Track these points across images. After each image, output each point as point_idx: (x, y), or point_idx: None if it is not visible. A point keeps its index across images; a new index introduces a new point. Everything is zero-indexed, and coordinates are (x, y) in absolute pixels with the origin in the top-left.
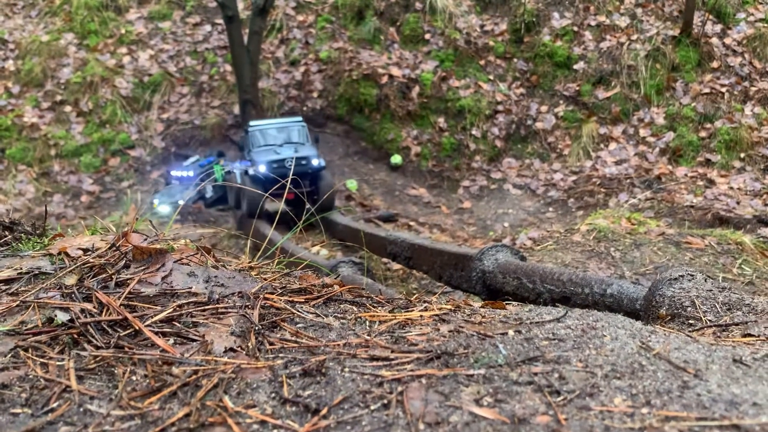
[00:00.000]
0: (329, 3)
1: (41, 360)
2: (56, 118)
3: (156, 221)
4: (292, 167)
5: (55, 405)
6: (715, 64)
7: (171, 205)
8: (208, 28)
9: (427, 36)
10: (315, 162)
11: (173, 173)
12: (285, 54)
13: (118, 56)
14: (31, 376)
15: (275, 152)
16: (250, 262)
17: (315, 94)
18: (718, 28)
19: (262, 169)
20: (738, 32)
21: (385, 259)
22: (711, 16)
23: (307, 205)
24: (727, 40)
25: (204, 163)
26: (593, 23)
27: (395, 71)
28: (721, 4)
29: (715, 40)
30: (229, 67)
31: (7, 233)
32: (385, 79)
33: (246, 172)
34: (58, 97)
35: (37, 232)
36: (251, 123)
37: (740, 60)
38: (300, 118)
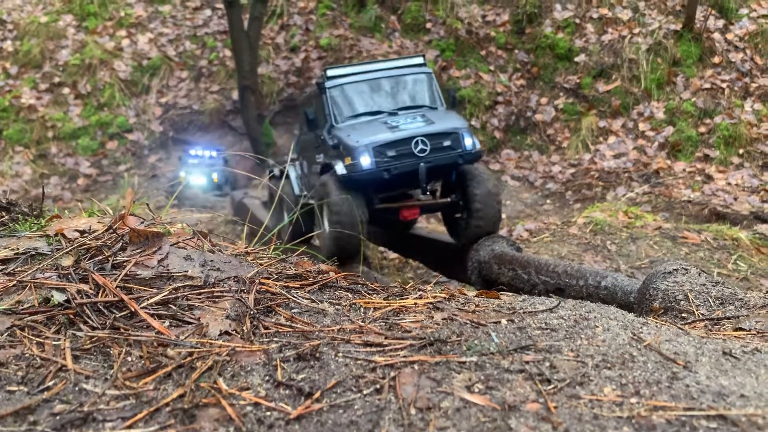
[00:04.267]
0: None
1: (37, 339)
2: (54, 99)
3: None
4: (426, 153)
5: (50, 383)
6: (716, 60)
7: (206, 176)
8: (208, 12)
9: (429, 25)
10: (468, 142)
11: (192, 152)
12: (285, 40)
13: (117, 39)
14: (27, 355)
15: (387, 126)
16: (246, 248)
17: (315, 81)
18: (721, 23)
19: (366, 161)
20: (740, 28)
21: (381, 248)
22: (713, 11)
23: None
24: (729, 36)
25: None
26: (595, 16)
27: None
28: None
29: (717, 36)
30: (228, 53)
31: (3, 214)
32: None
33: (327, 169)
34: (56, 79)
35: (34, 213)
36: (329, 72)
37: (742, 56)
38: (421, 60)
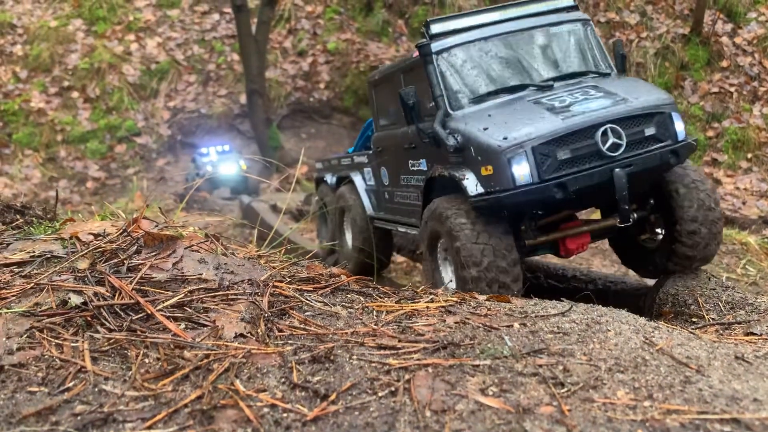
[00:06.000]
0: None
1: (56, 341)
2: (63, 103)
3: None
4: (622, 151)
5: (70, 384)
6: (724, 64)
7: (235, 163)
8: (216, 16)
9: None
10: (679, 126)
11: (204, 150)
12: (293, 44)
13: (126, 43)
14: (46, 356)
15: (547, 108)
16: (257, 251)
17: (322, 85)
18: (729, 27)
19: (522, 171)
20: (749, 32)
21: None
22: (722, 15)
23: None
24: (738, 40)
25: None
26: (603, 20)
27: None
28: (733, 3)
29: (725, 39)
30: (236, 57)
31: (18, 217)
32: None
33: (433, 186)
34: (66, 83)
35: (48, 216)
36: (435, 28)
37: (750, 60)
38: (571, 1)
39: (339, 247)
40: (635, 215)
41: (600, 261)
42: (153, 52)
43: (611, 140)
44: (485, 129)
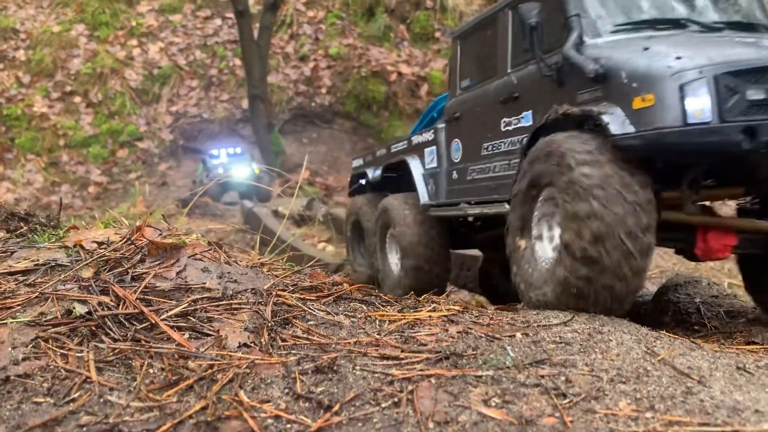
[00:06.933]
0: None
1: (61, 351)
2: (66, 108)
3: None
4: None
5: (76, 395)
6: None
7: (248, 167)
8: (218, 21)
9: (437, 34)
10: None
11: (214, 152)
12: (295, 49)
13: (129, 48)
14: (52, 367)
15: (731, 41)
16: (260, 258)
17: (324, 90)
18: None
19: (700, 104)
20: None
21: None
22: None
23: None
24: None
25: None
26: None
27: (404, 69)
28: None
29: None
30: (238, 62)
31: (22, 224)
32: (394, 77)
33: (573, 114)
34: (68, 88)
35: (52, 224)
36: None
37: None
38: None
39: (381, 269)
40: None
41: None
42: (155, 57)
43: None
44: (647, 49)
